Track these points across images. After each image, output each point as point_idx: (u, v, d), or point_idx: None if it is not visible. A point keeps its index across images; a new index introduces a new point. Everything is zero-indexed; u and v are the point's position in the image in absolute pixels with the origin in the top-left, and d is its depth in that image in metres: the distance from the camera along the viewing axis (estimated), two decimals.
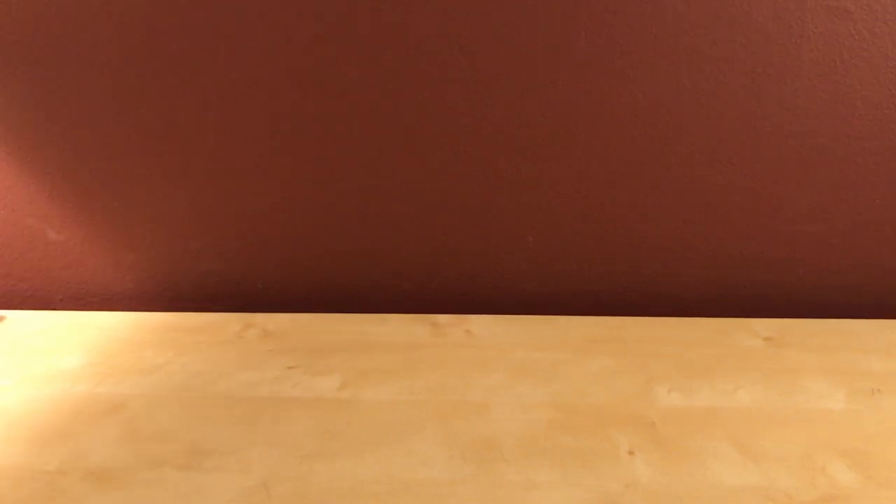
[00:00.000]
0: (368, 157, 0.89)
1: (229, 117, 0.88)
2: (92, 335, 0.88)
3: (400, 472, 0.67)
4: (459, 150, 0.88)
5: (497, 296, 0.96)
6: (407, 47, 0.84)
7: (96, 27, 0.85)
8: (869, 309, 0.93)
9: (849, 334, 0.85)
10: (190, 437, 0.71)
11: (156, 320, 0.90)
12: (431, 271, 0.95)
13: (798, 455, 0.68)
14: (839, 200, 0.88)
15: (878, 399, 0.74)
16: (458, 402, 0.75)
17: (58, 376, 0.80)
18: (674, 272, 0.93)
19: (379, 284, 0.96)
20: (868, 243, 0.90)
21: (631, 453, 0.68)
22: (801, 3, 0.79)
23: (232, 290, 0.98)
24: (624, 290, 0.95)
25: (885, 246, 0.90)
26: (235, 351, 0.84)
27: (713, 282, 0.93)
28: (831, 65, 0.82)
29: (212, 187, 0.92)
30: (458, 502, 0.63)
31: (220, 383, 0.79)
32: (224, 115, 0.88)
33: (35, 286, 0.99)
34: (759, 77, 0.83)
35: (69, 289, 0.99)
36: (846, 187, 0.87)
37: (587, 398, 0.75)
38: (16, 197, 0.93)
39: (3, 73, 0.87)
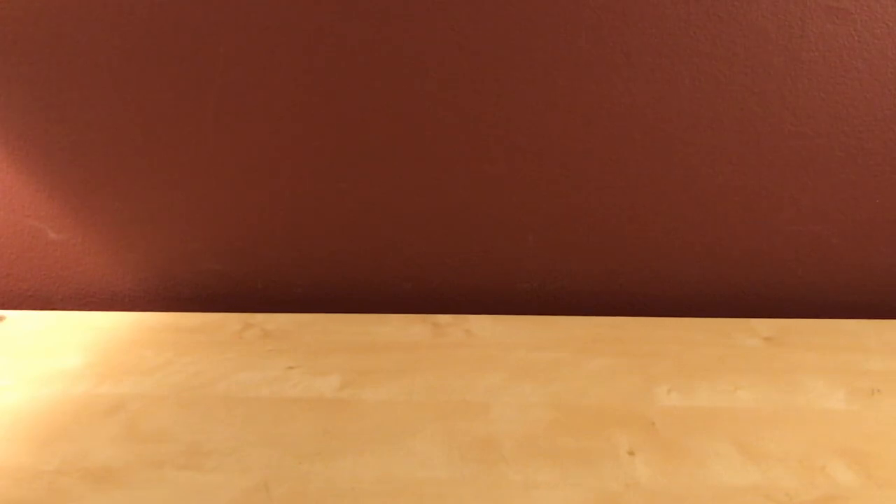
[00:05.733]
0: (369, 157, 0.89)
1: (230, 117, 0.88)
2: (92, 335, 0.88)
3: (400, 472, 0.67)
4: (459, 149, 0.88)
5: (497, 296, 0.96)
6: (406, 47, 0.84)
7: (96, 27, 0.85)
8: (869, 309, 0.93)
9: (849, 334, 0.85)
10: (190, 438, 0.71)
11: (155, 320, 0.90)
12: (431, 271, 0.95)
13: (798, 455, 0.68)
14: (839, 200, 0.88)
15: (878, 399, 0.75)
16: (458, 402, 0.75)
17: (58, 376, 0.80)
18: (674, 272, 0.93)
19: (379, 284, 0.96)
20: (868, 243, 0.90)
21: (631, 453, 0.68)
22: (801, 3, 0.79)
23: (231, 289, 0.98)
24: (624, 290, 0.95)
25: (885, 246, 0.90)
26: (235, 351, 0.84)
27: (713, 282, 0.93)
28: (831, 65, 0.82)
29: (211, 187, 0.92)
30: (458, 502, 0.63)
31: (220, 383, 0.79)
32: (224, 115, 0.88)
33: (35, 286, 0.99)
34: (758, 77, 0.83)
35: (69, 289, 0.99)
36: (846, 187, 0.87)
37: (587, 398, 0.75)
38: (16, 197, 0.93)
39: (2, 73, 0.87)
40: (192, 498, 0.64)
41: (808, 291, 0.93)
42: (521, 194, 0.90)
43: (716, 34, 0.81)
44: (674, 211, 0.90)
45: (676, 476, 0.66)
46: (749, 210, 0.89)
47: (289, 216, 0.93)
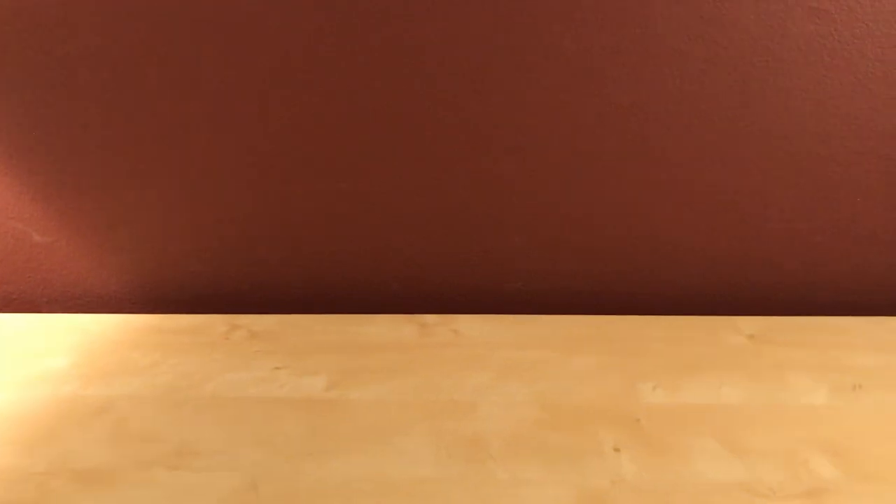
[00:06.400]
0: (355, 158, 0.90)
1: (216, 119, 0.88)
2: (78, 337, 0.87)
3: (388, 470, 0.67)
4: (445, 150, 0.89)
5: (484, 296, 0.96)
6: (394, 48, 0.84)
7: (81, 27, 0.84)
8: (851, 306, 0.94)
9: (831, 331, 0.86)
10: (178, 438, 0.71)
11: (142, 322, 0.90)
12: (418, 272, 0.95)
13: (781, 450, 0.68)
14: (822, 199, 0.89)
15: (859, 395, 0.75)
16: (446, 401, 0.76)
17: (45, 378, 0.80)
18: (659, 271, 0.94)
19: (366, 285, 0.96)
20: (850, 242, 0.91)
21: (616, 450, 0.69)
22: (784, 4, 0.80)
23: (218, 291, 0.97)
24: (609, 289, 0.95)
25: (866, 244, 0.91)
26: (222, 352, 0.84)
27: (698, 280, 0.94)
28: (813, 66, 0.83)
29: (198, 189, 0.92)
30: (447, 500, 0.64)
31: (208, 384, 0.79)
32: (211, 116, 0.88)
33: (20, 289, 0.98)
34: (742, 77, 0.84)
35: (54, 291, 0.98)
36: (829, 186, 0.88)
37: (573, 396, 0.76)
38: None
39: None
40: (181, 498, 0.64)
41: (792, 289, 0.94)
42: (508, 194, 0.91)
43: (699, 34, 0.82)
44: (659, 210, 0.91)
45: (662, 472, 0.66)
46: (733, 209, 0.90)
47: (276, 218, 0.93)
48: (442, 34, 0.83)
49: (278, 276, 0.96)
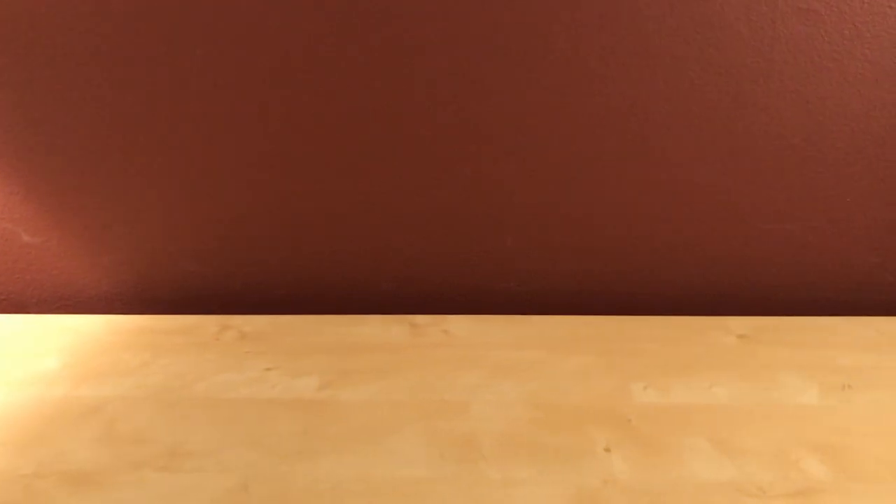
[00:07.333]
0: (347, 158, 0.89)
1: (209, 118, 0.88)
2: (68, 338, 0.87)
3: (380, 471, 0.67)
4: (444, 150, 0.89)
5: (475, 296, 0.96)
6: (394, 48, 0.84)
7: (71, 24, 0.84)
8: (841, 306, 0.95)
9: (821, 331, 0.86)
10: (169, 439, 0.71)
11: (132, 323, 0.90)
12: (410, 272, 0.95)
13: (772, 450, 0.69)
14: (812, 200, 0.89)
15: (849, 394, 0.76)
16: (438, 401, 0.76)
17: (34, 379, 0.80)
18: (650, 272, 0.94)
19: (357, 285, 0.96)
20: (839, 242, 0.91)
21: (607, 450, 0.69)
22: (773, 5, 0.80)
23: (209, 291, 0.97)
24: (601, 289, 0.95)
25: (855, 244, 0.92)
26: (213, 353, 0.84)
27: (689, 281, 0.94)
28: (802, 66, 0.83)
29: (189, 188, 0.91)
30: (439, 500, 0.64)
31: (199, 385, 0.79)
32: (203, 115, 0.88)
33: (9, 290, 0.98)
34: (732, 78, 0.84)
35: (44, 292, 0.98)
36: (818, 187, 0.89)
37: (565, 396, 0.76)
38: None
39: None
40: (172, 499, 0.64)
41: (782, 289, 0.95)
42: (500, 195, 0.91)
43: (690, 36, 0.82)
44: (651, 212, 0.91)
45: (653, 472, 0.66)
46: (725, 210, 0.90)
47: (266, 217, 0.93)
48: (442, 34, 0.83)
49: (270, 277, 0.96)
